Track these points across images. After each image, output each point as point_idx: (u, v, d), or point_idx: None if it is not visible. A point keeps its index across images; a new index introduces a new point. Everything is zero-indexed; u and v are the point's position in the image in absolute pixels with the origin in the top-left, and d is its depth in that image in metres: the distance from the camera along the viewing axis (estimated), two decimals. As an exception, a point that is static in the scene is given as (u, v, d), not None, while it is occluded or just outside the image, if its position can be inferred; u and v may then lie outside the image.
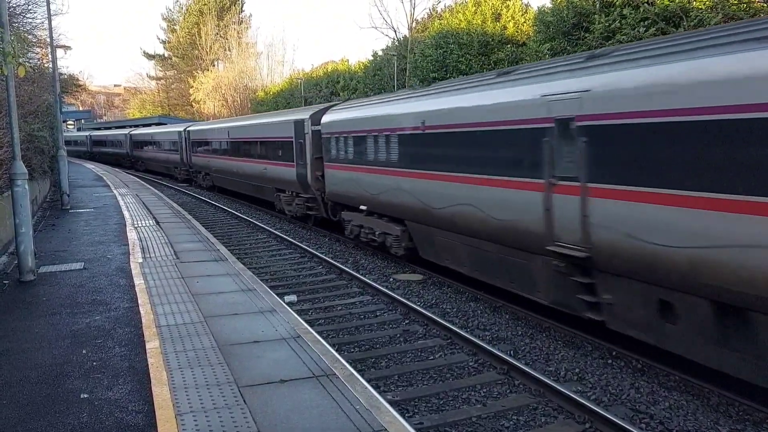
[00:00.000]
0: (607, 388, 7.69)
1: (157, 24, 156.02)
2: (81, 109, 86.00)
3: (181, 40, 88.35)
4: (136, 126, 59.92)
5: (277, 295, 9.89)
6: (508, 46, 32.95)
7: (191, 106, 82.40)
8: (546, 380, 7.56)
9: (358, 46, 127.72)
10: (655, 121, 7.09)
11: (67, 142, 73.28)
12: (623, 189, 7.52)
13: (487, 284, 11.28)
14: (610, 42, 22.26)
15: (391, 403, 6.22)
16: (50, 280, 10.55)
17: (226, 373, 6.22)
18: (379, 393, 6.28)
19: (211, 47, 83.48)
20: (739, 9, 18.86)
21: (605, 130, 7.79)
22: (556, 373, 8.17)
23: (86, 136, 70.42)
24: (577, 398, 7.04)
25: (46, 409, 5.51)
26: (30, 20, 20.85)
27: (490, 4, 34.96)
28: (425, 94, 12.90)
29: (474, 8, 35.49)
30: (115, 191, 27.41)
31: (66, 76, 41.52)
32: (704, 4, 19.69)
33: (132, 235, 15.10)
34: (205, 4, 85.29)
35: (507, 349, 9.01)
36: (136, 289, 9.76)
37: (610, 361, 8.47)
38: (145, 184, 33.26)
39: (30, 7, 20.14)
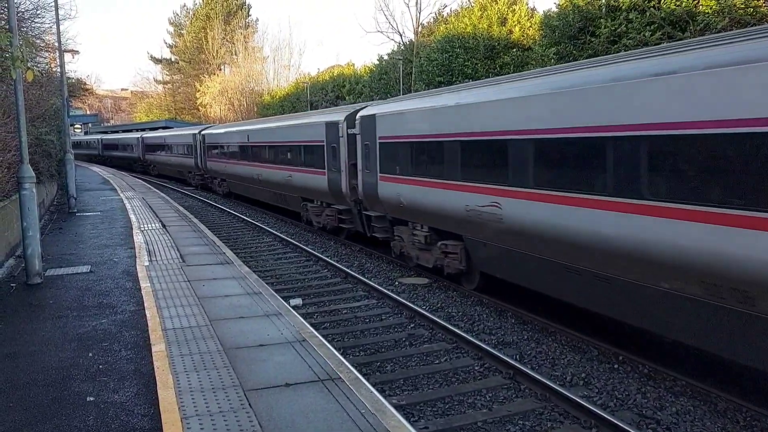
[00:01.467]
0: (613, 393, 7.66)
1: (164, 28, 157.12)
2: (88, 113, 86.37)
3: (188, 44, 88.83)
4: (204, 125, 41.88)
5: (283, 298, 9.89)
6: (514, 50, 32.99)
7: (198, 110, 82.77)
8: (552, 385, 7.53)
9: (364, 51, 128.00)
10: None
11: (112, 146, 63.21)
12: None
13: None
14: (615, 46, 22.24)
15: (396, 407, 6.21)
16: (57, 283, 10.59)
17: (231, 376, 6.23)
18: (385, 397, 6.28)
19: (217, 51, 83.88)
20: (746, 13, 18.82)
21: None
22: (563, 378, 8.14)
23: (137, 138, 52.54)
24: (584, 403, 7.02)
25: (53, 411, 5.53)
26: (38, 25, 21.02)
27: (496, 8, 35.00)
28: None
29: (480, 12, 35.54)
30: (121, 194, 27.51)
31: (74, 80, 41.65)
32: (710, 9, 19.66)
33: (138, 238, 15.14)
34: (212, 9, 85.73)
35: (513, 353, 8.99)
36: (143, 292, 9.78)
37: (616, 366, 8.44)
38: (152, 187, 33.35)
39: (38, 12, 20.32)
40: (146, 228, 16.97)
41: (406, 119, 13.57)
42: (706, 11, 19.80)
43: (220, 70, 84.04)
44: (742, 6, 18.97)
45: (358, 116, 16.08)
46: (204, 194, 33.93)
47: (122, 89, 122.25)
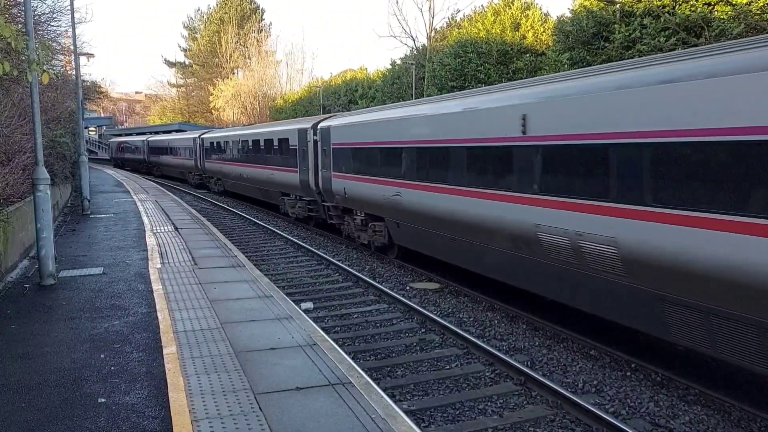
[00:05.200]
0: (625, 400, 7.59)
1: (179, 32, 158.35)
2: (102, 115, 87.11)
3: (201, 48, 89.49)
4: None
5: (294, 302, 9.90)
6: (527, 55, 32.92)
7: (211, 113, 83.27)
8: (563, 392, 7.47)
9: (377, 55, 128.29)
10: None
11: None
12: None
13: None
14: (629, 52, 22.13)
15: (406, 412, 6.19)
16: (70, 284, 10.66)
17: (242, 379, 6.23)
18: (395, 402, 6.25)
19: (231, 55, 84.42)
20: (762, 19, 18.66)
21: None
22: (574, 385, 8.08)
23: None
24: (595, 410, 6.96)
25: (65, 412, 5.55)
26: (54, 28, 21.18)
27: (510, 13, 34.99)
28: None
29: (493, 17, 35.53)
30: (134, 197, 27.68)
31: (88, 83, 42.06)
32: (726, 15, 19.51)
33: (151, 240, 15.22)
34: (225, 13, 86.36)
35: (524, 359, 8.94)
36: (155, 294, 9.83)
37: (628, 374, 8.36)
38: (164, 190, 33.54)
39: (54, 16, 20.45)
40: (159, 230, 17.05)
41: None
42: (722, 17, 19.65)
43: (234, 73, 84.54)
44: (759, 12, 18.81)
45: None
46: (215, 197, 34.13)
47: (136, 92, 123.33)
